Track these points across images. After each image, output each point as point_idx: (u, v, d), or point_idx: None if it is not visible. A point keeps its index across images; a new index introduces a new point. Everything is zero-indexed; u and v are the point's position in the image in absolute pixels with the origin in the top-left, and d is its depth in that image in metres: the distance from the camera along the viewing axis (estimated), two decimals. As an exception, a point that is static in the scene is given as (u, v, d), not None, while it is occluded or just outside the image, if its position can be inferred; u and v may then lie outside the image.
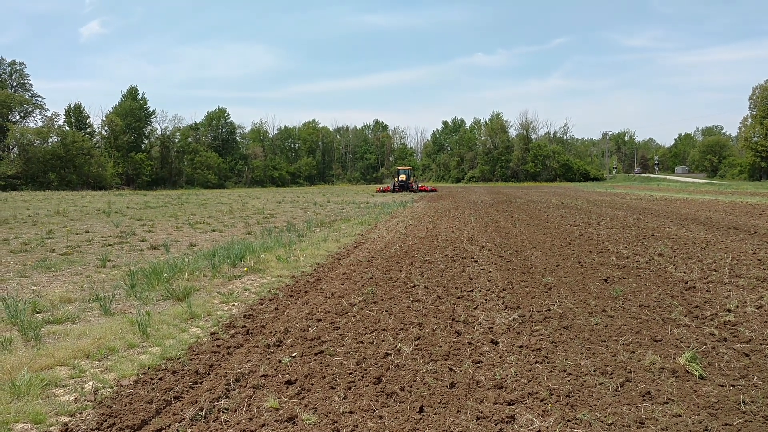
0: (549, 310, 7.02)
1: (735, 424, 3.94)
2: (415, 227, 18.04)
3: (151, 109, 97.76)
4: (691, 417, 4.04)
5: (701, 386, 4.58)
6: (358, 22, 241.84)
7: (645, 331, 6.12)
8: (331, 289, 8.61)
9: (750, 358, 5.18)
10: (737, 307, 7.01)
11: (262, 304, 7.73)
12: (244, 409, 4.28)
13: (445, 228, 17.49)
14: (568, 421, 4.01)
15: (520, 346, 5.65)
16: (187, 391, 4.70)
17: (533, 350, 5.52)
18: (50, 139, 77.66)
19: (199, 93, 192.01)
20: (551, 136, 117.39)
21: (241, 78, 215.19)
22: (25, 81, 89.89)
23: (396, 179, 61.09)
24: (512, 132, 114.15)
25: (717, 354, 5.34)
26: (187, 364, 5.32)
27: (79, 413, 4.26)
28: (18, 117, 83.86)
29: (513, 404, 4.29)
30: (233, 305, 7.76)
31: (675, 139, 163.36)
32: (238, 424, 4.05)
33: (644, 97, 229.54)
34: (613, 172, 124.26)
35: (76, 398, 4.51)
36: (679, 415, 4.06)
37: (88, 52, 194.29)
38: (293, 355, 5.51)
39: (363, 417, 4.13)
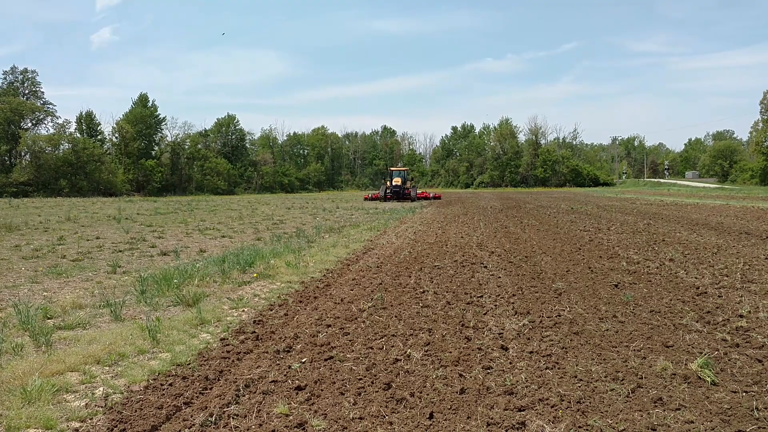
0: (559, 316, 6.99)
1: (748, 430, 3.90)
2: (424, 233, 18.02)
3: (161, 116, 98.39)
4: (704, 423, 4.00)
5: (713, 392, 4.53)
6: (367, 27, 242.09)
7: (656, 336, 6.07)
8: (341, 294, 8.61)
9: (763, 364, 5.13)
10: (749, 312, 6.94)
11: (271, 310, 7.74)
12: (254, 415, 4.28)
13: (454, 234, 17.46)
14: (579, 427, 3.99)
15: (531, 352, 5.62)
16: (197, 396, 4.71)
17: (544, 356, 5.50)
18: (61, 146, 78.34)
19: (209, 100, 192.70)
20: (561, 141, 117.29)
21: (251, 84, 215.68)
22: (37, 89, 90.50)
23: (388, 183, 47.59)
24: (521, 137, 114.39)
25: (729, 360, 5.29)
26: (197, 369, 5.33)
27: (90, 419, 4.28)
28: (30, 124, 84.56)
29: (523, 410, 4.27)
30: (243, 311, 7.77)
31: (685, 144, 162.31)
32: (248, 430, 4.05)
33: (654, 101, 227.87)
34: (623, 177, 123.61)
35: (86, 404, 4.54)
36: (692, 422, 4.03)
37: (100, 59, 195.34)
38: (303, 360, 5.51)
39: (373, 423, 4.12)
